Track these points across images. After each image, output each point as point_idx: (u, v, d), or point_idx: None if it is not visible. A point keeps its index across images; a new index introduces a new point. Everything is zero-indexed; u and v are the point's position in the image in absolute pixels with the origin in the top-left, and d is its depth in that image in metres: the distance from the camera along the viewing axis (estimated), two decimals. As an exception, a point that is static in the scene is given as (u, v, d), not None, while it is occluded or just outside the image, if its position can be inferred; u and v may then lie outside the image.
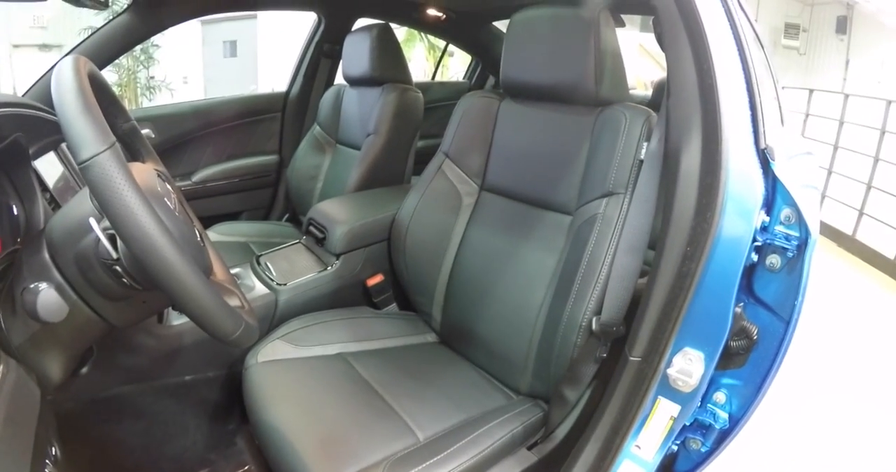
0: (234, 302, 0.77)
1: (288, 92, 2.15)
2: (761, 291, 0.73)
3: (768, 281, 0.72)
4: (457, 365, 1.14)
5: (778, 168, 0.71)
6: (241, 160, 2.09)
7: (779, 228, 0.70)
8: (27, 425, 0.58)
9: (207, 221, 1.92)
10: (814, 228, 0.69)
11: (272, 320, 1.22)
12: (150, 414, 1.13)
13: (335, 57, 2.04)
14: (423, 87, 1.97)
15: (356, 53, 1.76)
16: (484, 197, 1.18)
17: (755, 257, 0.72)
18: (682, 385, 0.72)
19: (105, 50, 1.58)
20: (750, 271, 0.73)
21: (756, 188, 0.70)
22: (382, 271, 1.38)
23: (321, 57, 2.09)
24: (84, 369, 0.78)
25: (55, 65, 0.68)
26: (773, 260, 0.71)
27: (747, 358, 0.74)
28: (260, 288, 1.24)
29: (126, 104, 5.26)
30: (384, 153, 1.68)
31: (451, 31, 2.37)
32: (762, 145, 0.71)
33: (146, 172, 0.72)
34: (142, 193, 0.53)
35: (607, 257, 0.89)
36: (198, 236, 0.73)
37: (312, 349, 1.08)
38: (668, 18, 0.78)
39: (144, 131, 1.72)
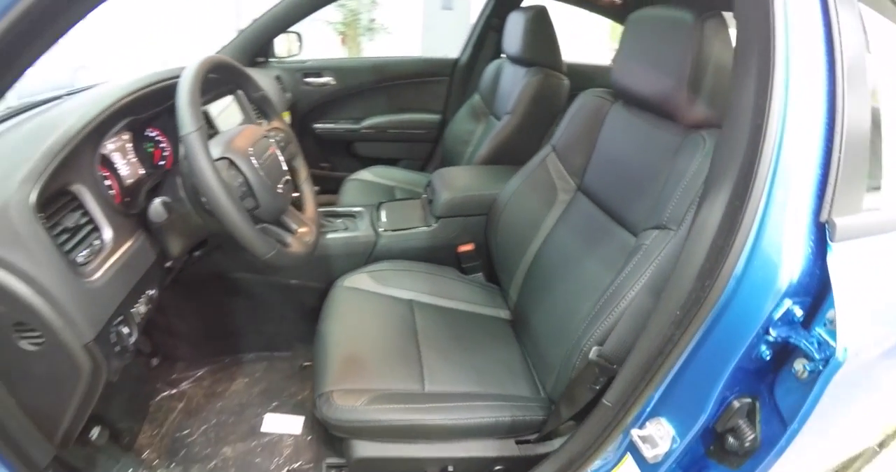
0: (305, 230, 1.06)
1: (458, 59, 2.30)
2: (781, 398, 0.63)
3: (790, 389, 0.62)
4: (508, 346, 1.20)
5: (838, 254, 0.59)
6: (408, 114, 2.33)
7: (820, 331, 0.58)
8: (138, 271, 0.91)
9: (368, 162, 2.23)
10: (849, 347, 0.56)
11: (369, 257, 1.44)
12: (258, 299, 1.47)
13: (501, 32, 2.06)
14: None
15: (513, 32, 1.79)
16: (577, 198, 1.18)
17: (767, 352, 0.62)
18: (645, 452, 0.69)
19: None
20: (776, 367, 0.63)
21: (788, 270, 0.59)
22: (476, 242, 1.48)
23: (490, 30, 2.16)
24: (197, 253, 1.10)
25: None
26: (800, 366, 0.60)
27: (743, 463, 0.65)
28: (365, 229, 1.47)
29: (346, 42, 5.81)
30: (515, 134, 1.72)
31: (622, 14, 2.25)
32: (823, 217, 0.60)
33: (250, 134, 0.98)
34: (210, 160, 0.81)
35: (630, 292, 0.86)
36: (280, 183, 0.97)
37: (389, 289, 1.28)
38: (742, 31, 0.67)
39: (326, 79, 2.10)
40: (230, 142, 0.94)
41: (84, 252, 0.81)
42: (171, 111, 0.90)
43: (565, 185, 1.22)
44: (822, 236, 0.60)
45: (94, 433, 1.04)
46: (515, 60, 1.84)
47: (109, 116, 0.90)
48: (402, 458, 0.99)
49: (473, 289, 1.37)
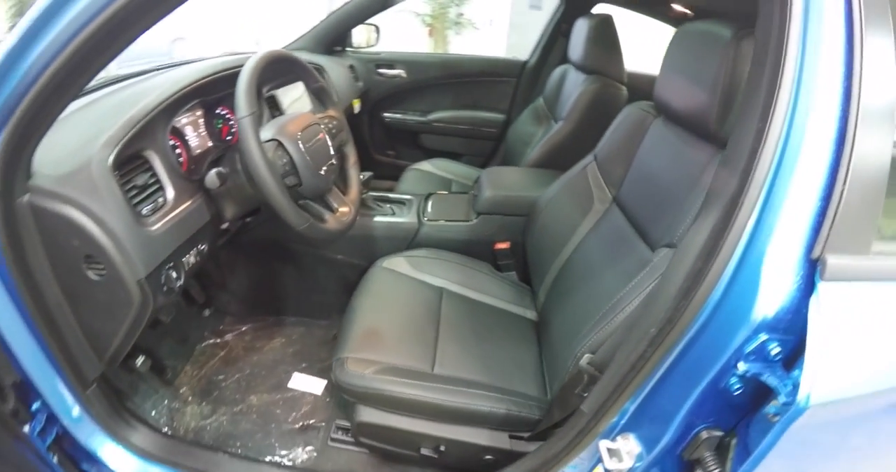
0: (345, 210, 1.19)
1: (526, 62, 2.33)
2: (753, 438, 0.62)
3: (760, 430, 0.60)
4: (526, 345, 1.23)
5: (826, 295, 0.56)
6: (474, 111, 2.40)
7: (798, 374, 0.55)
8: (192, 227, 1.05)
9: (432, 154, 2.34)
10: (815, 394, 0.53)
11: (410, 242, 1.54)
12: (306, 268, 1.61)
13: (569, 37, 2.06)
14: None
15: (577, 38, 1.80)
16: (611, 210, 1.19)
17: (738, 386, 0.60)
18: (610, 466, 0.69)
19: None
20: (756, 406, 0.61)
21: (766, 302, 0.57)
22: (513, 241, 1.53)
23: (558, 35, 2.17)
24: (249, 219, 1.23)
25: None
26: (772, 408, 0.58)
27: None
28: (410, 217, 1.56)
29: (433, 35, 5.72)
30: (567, 139, 1.74)
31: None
32: (816, 253, 0.57)
33: (303, 120, 1.11)
34: (257, 141, 0.95)
35: (629, 305, 0.87)
36: (325, 166, 1.09)
37: (422, 275, 1.35)
38: (757, 46, 0.65)
39: (397, 71, 2.23)
40: (284, 126, 1.07)
41: (149, 206, 0.96)
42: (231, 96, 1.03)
43: (602, 195, 1.24)
44: (812, 272, 0.58)
45: (139, 361, 1.21)
46: (578, 67, 1.86)
47: (181, 97, 1.06)
48: (401, 429, 1.06)
49: (504, 286, 1.41)
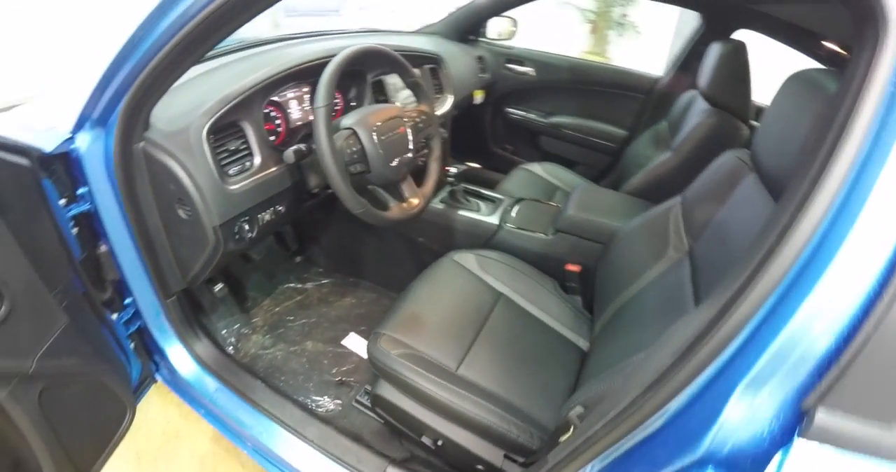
0: (415, 202, 1.26)
1: (658, 79, 2.16)
2: None
3: None
4: (563, 372, 1.19)
5: (800, 455, 0.45)
6: (596, 122, 2.29)
7: None
8: (271, 191, 1.20)
9: (547, 156, 2.31)
10: None
11: (485, 242, 1.57)
12: (390, 243, 1.73)
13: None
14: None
15: (707, 64, 1.62)
16: (681, 262, 1.07)
17: None
18: None
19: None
20: None
21: (723, 435, 0.49)
22: (584, 266, 1.47)
23: (694, 57, 1.95)
24: (330, 190, 1.34)
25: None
26: None
27: None
28: (492, 217, 1.58)
29: (595, 32, 5.59)
30: (670, 174, 1.61)
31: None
32: (808, 403, 0.46)
33: (385, 113, 1.20)
34: (326, 129, 1.05)
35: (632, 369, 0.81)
36: (398, 158, 1.18)
37: (487, 276, 1.36)
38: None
39: (526, 69, 2.22)
40: (365, 117, 1.17)
41: (235, 168, 1.13)
42: (343, 76, 1.15)
43: (678, 242, 1.14)
44: (793, 423, 0.47)
45: (217, 287, 1.43)
46: (703, 95, 1.68)
47: (281, 78, 1.21)
48: (408, 413, 1.11)
49: (564, 308, 1.37)
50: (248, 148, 1.17)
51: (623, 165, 2.09)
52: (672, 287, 1.05)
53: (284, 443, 1.18)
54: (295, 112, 1.28)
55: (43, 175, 0.95)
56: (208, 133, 1.05)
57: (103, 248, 1.13)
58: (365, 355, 1.56)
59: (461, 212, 1.59)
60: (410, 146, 1.24)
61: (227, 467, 1.45)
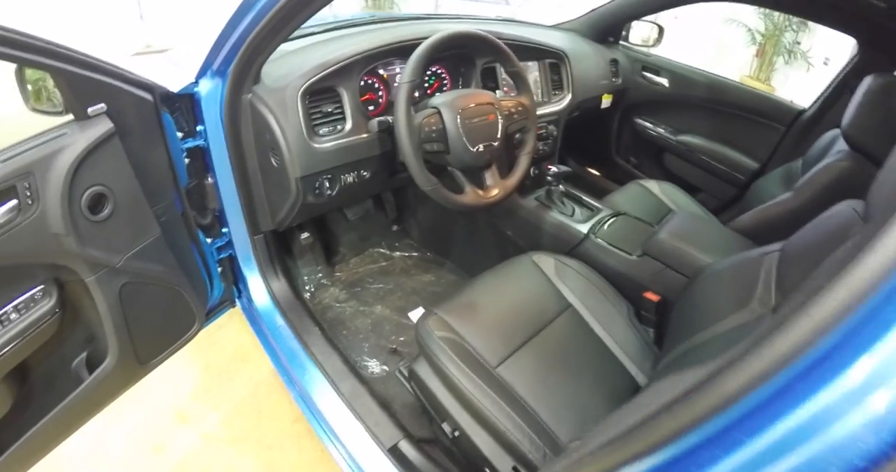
0: (494, 192, 1.28)
1: (802, 111, 1.88)
2: None
3: None
4: (608, 402, 1.12)
5: None
6: (726, 148, 2.09)
7: None
8: (357, 155, 1.30)
9: (669, 177, 2.19)
10: None
11: (570, 249, 1.53)
12: (479, 229, 1.79)
13: (853, 96, 1.54)
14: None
15: (854, 100, 1.35)
16: (762, 322, 0.92)
17: None
18: None
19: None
20: None
21: None
22: (664, 297, 1.37)
23: (845, 90, 1.68)
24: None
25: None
26: None
27: None
28: (582, 225, 1.53)
29: (761, 55, 5.01)
30: (785, 216, 1.41)
31: None
32: None
33: (476, 98, 1.23)
34: (406, 105, 1.12)
35: None
36: (481, 145, 1.20)
37: (561, 284, 1.32)
38: None
39: (661, 79, 2.13)
40: (454, 99, 1.20)
41: (326, 129, 1.25)
42: (452, 57, 1.23)
43: (765, 297, 0.99)
44: None
45: (304, 236, 1.59)
46: (843, 134, 1.41)
47: (382, 52, 1.29)
48: (436, 396, 1.14)
49: (632, 337, 1.28)
50: (342, 112, 1.27)
51: (747, 200, 1.86)
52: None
53: (320, 390, 1.30)
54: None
55: (164, 110, 1.14)
56: (304, 93, 1.17)
57: (210, 180, 1.32)
58: None
59: (553, 213, 1.57)
60: (499, 135, 1.24)
61: (278, 397, 1.64)
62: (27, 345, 0.95)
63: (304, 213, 1.32)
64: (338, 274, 1.80)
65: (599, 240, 1.49)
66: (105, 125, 0.96)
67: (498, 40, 1.28)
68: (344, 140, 1.26)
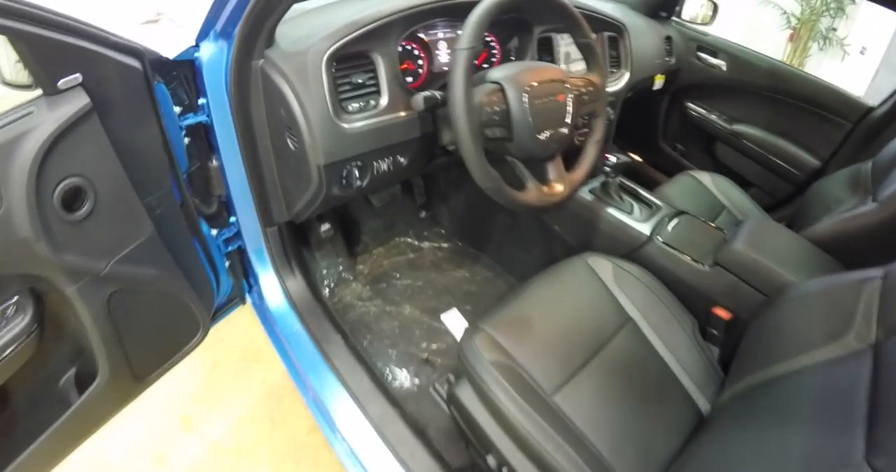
0: (558, 188, 1.08)
1: (872, 109, 1.71)
2: None
3: None
4: (671, 435, 1.01)
5: None
6: (785, 142, 1.94)
7: None
8: (394, 138, 1.09)
9: (719, 168, 2.08)
10: None
11: (629, 251, 1.36)
12: (521, 223, 1.60)
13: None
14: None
15: None
16: (861, 359, 0.79)
17: None
18: None
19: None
20: None
21: None
22: (736, 315, 1.22)
23: None
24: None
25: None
26: None
27: None
28: (644, 226, 1.35)
29: (794, 40, 4.86)
30: (873, 232, 1.24)
31: None
32: None
33: (544, 73, 1.01)
34: (464, 77, 0.89)
35: None
36: (548, 131, 1.00)
37: (620, 293, 1.18)
38: None
39: (718, 62, 1.97)
40: (518, 72, 0.98)
41: (356, 105, 1.04)
42: (505, 23, 1.05)
43: (864, 331, 0.84)
44: None
45: (325, 227, 1.40)
46: None
47: (427, 11, 1.08)
48: (481, 426, 1.00)
49: (696, 357, 1.15)
50: (377, 84, 1.06)
51: (806, 202, 1.72)
52: (840, 387, 0.79)
53: (343, 409, 1.16)
54: (442, 55, 1.15)
55: (157, 79, 0.96)
56: (330, 59, 0.96)
57: (214, 162, 1.14)
58: (459, 338, 1.46)
59: (610, 209, 1.38)
60: (568, 120, 1.03)
61: (292, 402, 1.52)
62: (3, 369, 0.83)
63: (325, 205, 1.13)
64: (360, 267, 1.63)
65: (664, 244, 1.31)
66: (80, 101, 0.78)
67: (572, 5, 1.07)
68: (379, 119, 1.05)
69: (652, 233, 1.33)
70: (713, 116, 2.12)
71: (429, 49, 1.11)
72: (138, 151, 0.93)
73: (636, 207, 1.41)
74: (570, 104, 1.02)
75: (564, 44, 1.36)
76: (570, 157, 1.15)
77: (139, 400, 1.11)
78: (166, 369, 1.14)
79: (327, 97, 0.97)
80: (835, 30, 4.99)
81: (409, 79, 1.10)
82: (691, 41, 2.06)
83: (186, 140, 1.07)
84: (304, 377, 1.23)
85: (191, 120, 1.06)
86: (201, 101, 1.06)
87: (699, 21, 1.99)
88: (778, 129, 1.99)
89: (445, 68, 1.15)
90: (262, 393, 1.61)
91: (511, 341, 1.01)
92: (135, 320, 1.00)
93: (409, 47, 1.10)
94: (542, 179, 1.08)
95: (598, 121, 1.15)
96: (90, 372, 0.98)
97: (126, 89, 0.88)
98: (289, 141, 1.03)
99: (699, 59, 2.06)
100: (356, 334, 1.45)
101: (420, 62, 1.12)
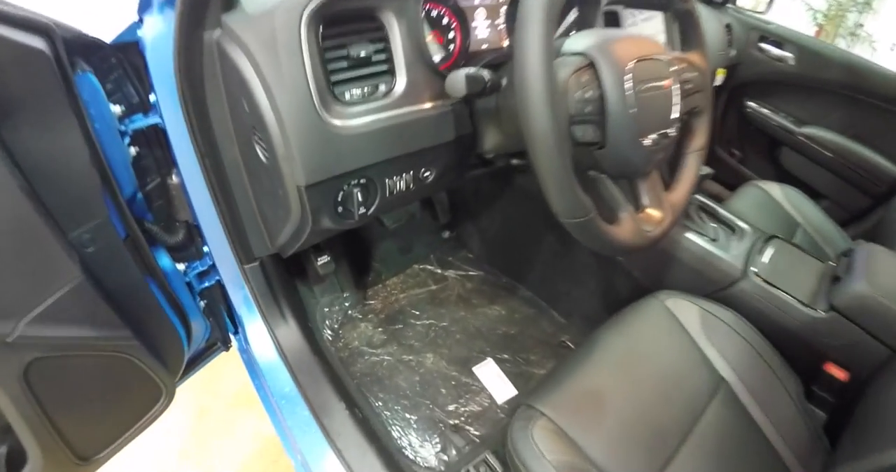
0: (655, 215, 0.80)
1: None
2: None
3: None
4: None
5: None
6: (863, 148, 1.78)
7: None
8: (415, 143, 0.81)
9: (786, 177, 1.88)
10: None
11: (717, 290, 1.11)
12: (570, 248, 1.36)
13: None
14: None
15: None
16: None
17: None
18: None
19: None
20: None
21: None
22: (854, 375, 1.02)
23: None
24: (517, 162, 0.97)
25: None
26: None
27: None
28: (735, 257, 1.10)
29: (820, 35, 4.80)
30: None
31: None
32: None
33: (644, 46, 0.71)
34: (545, 39, 0.59)
35: None
36: (654, 135, 0.70)
37: (709, 346, 1.00)
38: None
39: (785, 54, 1.80)
40: (610, 41, 0.69)
41: (356, 91, 0.74)
42: None
43: None
44: None
45: (321, 261, 1.13)
46: None
47: None
48: None
49: (800, 427, 0.96)
50: (389, 61, 0.77)
51: (890, 217, 1.59)
52: None
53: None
54: (482, 29, 0.85)
55: (81, 68, 0.71)
56: (313, 19, 0.66)
57: (175, 179, 0.90)
58: (499, 397, 1.22)
59: (689, 235, 1.12)
60: (675, 115, 0.74)
61: (288, 463, 1.31)
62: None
63: (315, 239, 0.87)
64: (371, 302, 1.37)
65: (762, 281, 1.08)
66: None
67: None
68: (393, 113, 0.76)
69: (745, 266, 1.09)
70: (778, 118, 1.95)
71: (463, 18, 0.83)
72: (53, 169, 0.69)
73: (720, 231, 1.16)
74: (677, 94, 0.73)
75: (634, 21, 1.08)
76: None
77: (117, 457, 0.93)
78: (123, 445, 0.94)
79: (309, 77, 0.67)
80: (862, 26, 4.94)
81: (437, 58, 0.81)
82: (752, 30, 1.86)
83: (134, 151, 0.83)
84: (299, 454, 1.00)
85: (139, 123, 0.82)
86: (153, 97, 0.81)
87: (759, 9, 1.84)
88: (854, 132, 1.81)
89: (486, 46, 0.87)
90: (256, 450, 1.46)
91: (580, 428, 0.82)
92: (68, 393, 0.81)
93: (434, 12, 0.80)
94: (634, 203, 0.80)
95: (701, 120, 0.86)
96: (21, 450, 0.79)
97: (27, 84, 0.63)
98: (258, 149, 0.75)
99: (762, 50, 1.87)
100: (366, 391, 1.19)
101: (451, 36, 0.82)
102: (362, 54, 0.73)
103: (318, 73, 0.68)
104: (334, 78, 0.72)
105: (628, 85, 0.66)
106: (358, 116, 0.72)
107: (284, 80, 0.66)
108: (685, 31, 0.87)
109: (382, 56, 0.76)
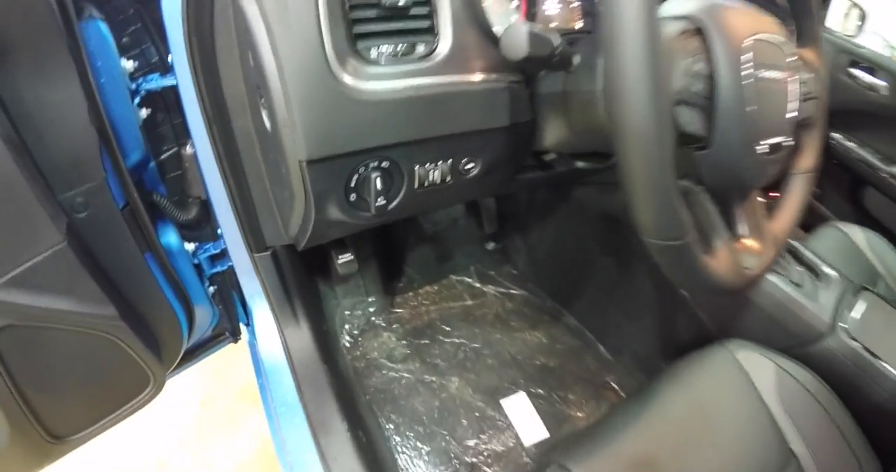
0: (754, 246, 0.66)
1: None
2: None
3: None
4: None
5: None
6: None
7: None
8: (455, 123, 0.69)
9: (866, 219, 1.76)
10: None
11: (796, 344, 1.00)
12: (631, 273, 1.25)
13: None
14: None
15: None
16: None
17: None
18: None
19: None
20: None
21: None
22: None
23: None
24: (582, 165, 0.84)
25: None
26: None
27: None
28: (822, 307, 0.97)
29: None
30: None
31: None
32: None
33: (762, 22, 0.59)
34: (650, 27, 0.44)
35: None
36: (770, 140, 0.56)
37: (782, 414, 0.90)
38: None
39: (877, 82, 1.62)
40: (722, 6, 0.56)
41: (386, 48, 0.62)
42: None
43: None
44: None
45: (342, 259, 1.03)
46: None
47: None
48: None
49: None
50: (432, 15, 0.65)
51: None
52: None
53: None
54: (552, 6, 0.74)
55: (92, 15, 0.66)
56: None
57: (189, 149, 0.84)
58: (527, 439, 1.12)
59: (771, 278, 0.99)
60: (791, 114, 0.60)
61: None
62: None
63: (322, 232, 0.76)
64: (398, 311, 1.30)
65: (851, 340, 0.96)
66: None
67: None
68: (431, 80, 0.63)
69: (834, 320, 0.97)
70: (864, 153, 1.78)
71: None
72: (46, 121, 0.64)
73: (806, 277, 1.03)
74: (796, 92, 0.60)
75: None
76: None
77: (110, 435, 0.91)
78: (102, 429, 0.90)
79: (322, 22, 0.56)
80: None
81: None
82: (842, 53, 1.70)
83: (145, 113, 0.77)
84: (290, 468, 0.95)
85: (153, 83, 0.76)
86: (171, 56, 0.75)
87: (848, 33, 1.68)
88: None
89: (555, 25, 0.74)
90: (256, 449, 1.43)
91: None
92: (43, 367, 0.77)
93: None
94: (730, 231, 0.65)
95: (813, 135, 0.72)
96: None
97: (19, 19, 0.58)
98: (263, 115, 0.66)
99: (852, 76, 1.70)
100: (377, 409, 1.11)
101: (515, 3, 0.70)
102: (400, 3, 0.61)
103: (336, 17, 0.57)
104: (358, 29, 0.60)
105: (747, 67, 0.53)
106: (383, 79, 0.60)
107: (290, 24, 0.55)
108: (800, 20, 0.72)
109: (425, 10, 0.63)
